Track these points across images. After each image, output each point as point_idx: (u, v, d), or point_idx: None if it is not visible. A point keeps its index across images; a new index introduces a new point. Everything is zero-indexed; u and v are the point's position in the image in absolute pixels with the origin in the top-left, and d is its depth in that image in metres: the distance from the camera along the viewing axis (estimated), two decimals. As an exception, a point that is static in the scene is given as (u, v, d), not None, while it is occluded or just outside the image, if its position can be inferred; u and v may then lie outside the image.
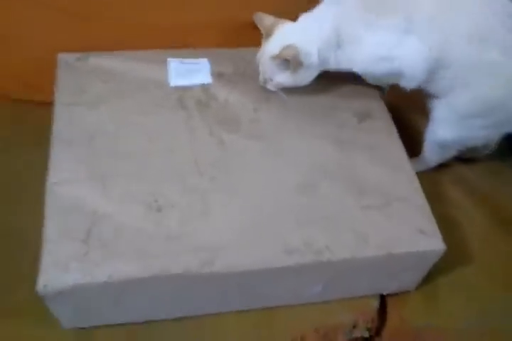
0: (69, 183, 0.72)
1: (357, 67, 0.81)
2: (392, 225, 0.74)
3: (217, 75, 0.89)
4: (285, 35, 0.81)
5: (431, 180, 0.95)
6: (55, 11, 0.88)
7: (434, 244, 0.73)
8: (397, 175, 0.80)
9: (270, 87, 0.85)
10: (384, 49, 0.77)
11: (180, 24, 0.91)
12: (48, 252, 0.66)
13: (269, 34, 0.83)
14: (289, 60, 0.79)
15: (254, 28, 0.85)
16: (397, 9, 0.76)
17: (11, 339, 0.74)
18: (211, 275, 0.68)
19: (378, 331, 0.83)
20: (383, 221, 0.75)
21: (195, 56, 0.91)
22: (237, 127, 0.82)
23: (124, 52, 0.90)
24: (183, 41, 0.92)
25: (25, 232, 0.76)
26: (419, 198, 0.78)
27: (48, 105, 0.83)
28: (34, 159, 0.78)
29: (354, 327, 0.82)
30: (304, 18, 0.82)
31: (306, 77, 0.83)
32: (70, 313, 0.71)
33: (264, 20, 0.83)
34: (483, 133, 0.86)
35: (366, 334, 0.80)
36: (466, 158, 0.99)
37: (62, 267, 0.65)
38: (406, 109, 0.98)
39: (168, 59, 0.89)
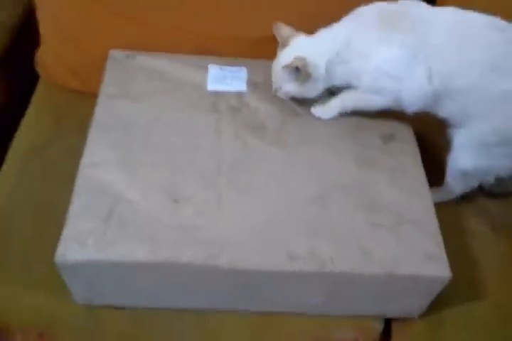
0: (99, 166, 0.78)
1: (363, 82, 0.83)
2: (400, 246, 0.75)
3: (252, 84, 0.93)
4: (298, 47, 0.86)
5: (453, 210, 0.96)
6: (112, 14, 0.95)
7: (439, 270, 0.74)
8: (412, 198, 0.81)
9: (280, 95, 0.89)
10: (392, 65, 0.79)
11: (220, 34, 0.96)
12: (70, 226, 0.71)
13: (284, 45, 0.87)
14: (299, 70, 0.82)
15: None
16: (412, 29, 0.78)
17: (26, 305, 0.80)
18: (215, 269, 0.71)
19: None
20: (391, 241, 0.76)
21: (234, 64, 0.96)
22: (262, 134, 0.86)
23: (169, 55, 0.96)
24: (221, 50, 0.97)
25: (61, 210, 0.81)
26: (432, 224, 0.79)
27: (95, 97, 0.89)
28: (78, 146, 0.83)
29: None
30: (320, 33, 0.86)
31: (313, 89, 0.86)
32: (82, 287, 0.75)
33: (282, 30, 0.88)
34: (505, 162, 0.86)
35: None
36: (495, 193, 0.98)
37: (80, 242, 0.70)
38: (433, 136, 0.99)
39: (209, 65, 0.95)
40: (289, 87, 0.87)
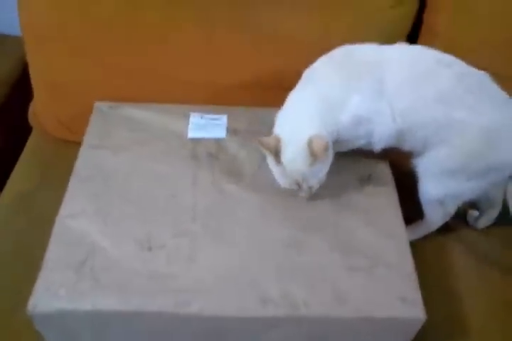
0: (76, 217, 0.80)
1: (342, 132, 0.83)
2: (374, 289, 0.75)
3: (232, 131, 0.96)
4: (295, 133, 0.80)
5: (438, 245, 0.96)
6: (97, 66, 1.00)
7: (413, 312, 0.73)
8: (388, 240, 0.81)
9: (304, 193, 0.82)
10: (362, 111, 0.81)
11: (210, 83, 1.00)
12: (43, 277, 0.72)
13: (277, 149, 0.79)
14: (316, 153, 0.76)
15: (278, 88, 0.88)
16: (366, 73, 0.81)
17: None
18: (186, 317, 0.71)
19: None
20: (365, 284, 0.75)
21: (216, 112, 0.99)
22: (238, 180, 0.87)
23: (152, 105, 0.99)
24: (211, 98, 1.01)
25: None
26: (407, 266, 0.78)
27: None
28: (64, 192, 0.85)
29: None
30: (289, 111, 0.83)
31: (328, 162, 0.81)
32: (55, 338, 0.75)
33: (268, 142, 0.79)
34: (472, 185, 0.87)
35: None
36: (478, 227, 0.99)
37: (52, 292, 0.71)
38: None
39: (191, 113, 0.98)
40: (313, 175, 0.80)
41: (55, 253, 0.75)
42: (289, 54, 0.97)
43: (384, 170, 0.92)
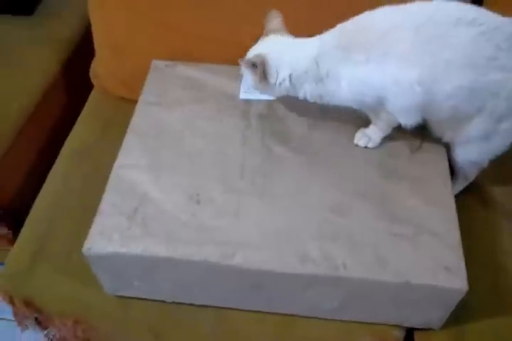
0: (130, 168, 0.84)
1: (342, 103, 0.83)
2: (417, 256, 0.75)
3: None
4: (274, 46, 0.83)
5: (490, 223, 0.93)
6: (156, 26, 1.02)
7: (456, 282, 0.72)
8: (435, 210, 0.80)
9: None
10: (363, 83, 0.78)
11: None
12: (98, 222, 0.77)
13: (266, 36, 0.84)
14: (256, 68, 0.80)
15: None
16: (375, 42, 0.76)
17: (65, 293, 0.87)
18: (228, 268, 0.74)
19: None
20: (408, 250, 0.75)
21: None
22: (287, 141, 0.88)
23: (207, 65, 1.01)
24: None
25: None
26: (453, 236, 0.77)
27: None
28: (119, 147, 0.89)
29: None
30: (300, 42, 0.83)
31: (271, 92, 0.86)
32: (108, 278, 0.81)
33: (273, 22, 0.84)
34: (506, 139, 0.83)
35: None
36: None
37: (106, 236, 0.76)
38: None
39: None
40: (250, 80, 0.85)
41: (109, 200, 0.80)
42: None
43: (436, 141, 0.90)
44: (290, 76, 0.82)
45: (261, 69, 0.81)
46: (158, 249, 0.74)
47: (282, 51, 0.83)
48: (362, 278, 0.73)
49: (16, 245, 0.94)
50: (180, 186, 0.81)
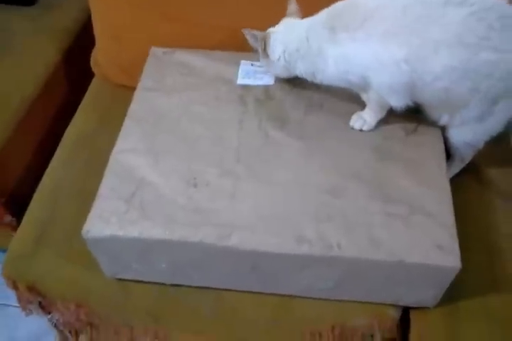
0: (129, 153, 0.85)
1: (331, 82, 0.85)
2: (410, 236, 0.75)
3: (280, 79, 0.96)
4: (280, 26, 0.89)
5: (485, 204, 0.93)
6: (155, 14, 1.03)
7: (449, 260, 0.73)
8: (429, 190, 0.80)
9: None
10: (347, 62, 0.80)
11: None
12: (97, 205, 0.79)
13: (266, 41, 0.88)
14: (257, 40, 0.86)
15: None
16: (362, 22, 0.77)
17: (67, 277, 0.89)
18: (225, 249, 0.75)
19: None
20: (402, 230, 0.76)
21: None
22: (284, 125, 0.89)
23: (204, 51, 1.02)
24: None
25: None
26: (447, 215, 0.78)
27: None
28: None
29: (372, 336, 0.84)
30: (298, 21, 0.87)
31: (274, 69, 0.91)
32: (108, 261, 0.83)
33: (290, 7, 0.89)
34: (500, 118, 0.83)
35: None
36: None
37: (104, 219, 0.77)
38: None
39: (242, 61, 1.00)
40: (259, 57, 0.90)
41: (108, 184, 0.81)
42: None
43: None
44: (284, 53, 0.86)
45: (262, 43, 0.87)
46: (156, 232, 0.76)
47: (283, 30, 0.88)
48: (356, 258, 0.74)
49: (18, 231, 0.96)
50: (178, 170, 0.82)
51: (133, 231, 0.76)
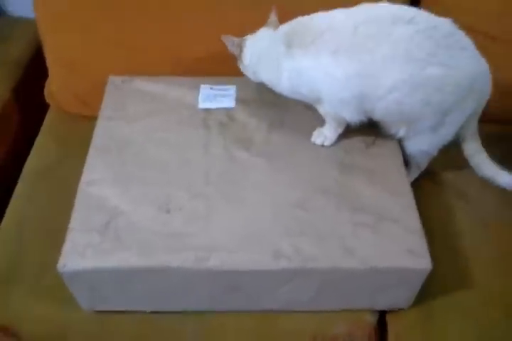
0: (96, 184, 0.85)
1: (286, 94, 0.90)
2: (381, 242, 0.79)
3: (241, 101, 0.99)
4: (256, 34, 0.92)
5: (443, 205, 0.99)
6: (110, 43, 1.05)
7: (420, 262, 0.77)
8: (394, 198, 0.85)
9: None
10: (299, 75, 0.85)
11: (211, 56, 1.03)
12: (70, 239, 0.78)
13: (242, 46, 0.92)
14: (233, 45, 0.91)
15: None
16: (314, 40, 0.82)
17: (38, 315, 0.86)
18: (205, 272, 0.76)
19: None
20: (373, 238, 0.80)
21: (224, 83, 1.02)
22: (249, 146, 0.91)
23: (163, 78, 1.03)
24: (215, 70, 1.04)
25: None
26: (413, 220, 0.82)
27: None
28: (82, 166, 0.89)
29: (351, 341, 0.86)
30: (267, 32, 0.91)
31: (246, 73, 0.95)
32: (85, 294, 0.81)
33: (270, 18, 0.92)
34: (454, 129, 0.89)
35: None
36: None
37: (79, 252, 0.76)
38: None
39: (201, 85, 1.02)
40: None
41: (79, 217, 0.81)
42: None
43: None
44: (251, 61, 0.91)
45: (237, 49, 0.91)
46: (133, 260, 0.76)
47: (255, 38, 0.92)
48: (332, 268, 0.77)
49: (-15, 271, 0.93)
50: (149, 197, 0.83)
51: (110, 262, 0.75)
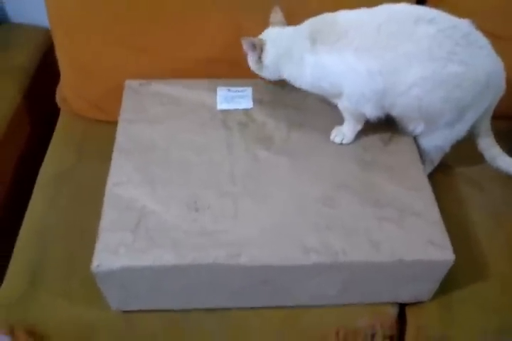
0: (124, 185, 0.86)
1: (307, 88, 0.92)
2: (405, 236, 0.82)
3: (258, 102, 1.01)
4: (270, 34, 0.94)
5: (458, 197, 1.02)
6: (124, 47, 1.06)
7: (443, 254, 0.80)
8: (414, 193, 0.87)
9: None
10: (323, 70, 0.87)
11: (228, 59, 1.06)
12: (103, 239, 0.79)
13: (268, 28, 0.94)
14: (255, 48, 0.91)
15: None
16: (339, 37, 0.85)
17: (66, 316, 0.87)
18: (237, 268, 0.78)
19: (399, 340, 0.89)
20: (397, 231, 0.82)
21: (241, 85, 1.04)
22: (269, 145, 0.93)
23: (180, 81, 1.05)
24: (229, 72, 1.06)
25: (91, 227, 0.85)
26: (434, 214, 0.85)
27: (112, 124, 0.98)
28: (100, 169, 0.91)
29: (373, 335, 0.88)
30: (286, 30, 0.93)
31: (265, 73, 0.96)
32: (117, 294, 0.82)
33: (275, 16, 0.94)
34: (467, 125, 0.93)
35: (386, 342, 0.86)
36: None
37: (113, 252, 0.77)
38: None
39: (218, 87, 1.04)
40: (249, 61, 0.95)
41: (109, 217, 0.82)
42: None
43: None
44: (275, 58, 0.92)
45: (259, 50, 0.91)
46: (167, 258, 0.77)
47: (275, 37, 0.93)
48: (361, 261, 0.79)
49: (8, 275, 0.93)
50: (177, 196, 0.84)
51: (145, 260, 0.77)
